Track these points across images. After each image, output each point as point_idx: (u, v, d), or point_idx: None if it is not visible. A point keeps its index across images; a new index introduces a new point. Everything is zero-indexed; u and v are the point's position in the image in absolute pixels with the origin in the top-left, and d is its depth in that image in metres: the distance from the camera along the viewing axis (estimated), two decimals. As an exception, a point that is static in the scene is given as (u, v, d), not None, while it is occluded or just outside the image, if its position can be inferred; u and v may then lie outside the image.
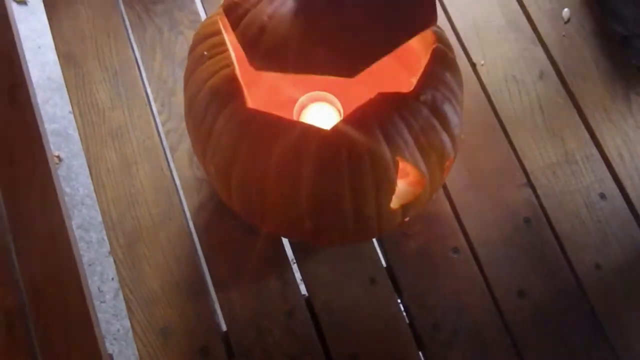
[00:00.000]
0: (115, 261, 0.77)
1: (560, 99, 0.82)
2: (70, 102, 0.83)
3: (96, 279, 1.41)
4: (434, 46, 0.65)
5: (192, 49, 0.69)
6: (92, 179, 0.80)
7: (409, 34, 0.61)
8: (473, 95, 0.82)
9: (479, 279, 0.75)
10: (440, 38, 0.66)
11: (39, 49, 1.56)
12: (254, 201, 0.66)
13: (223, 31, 0.66)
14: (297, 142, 0.61)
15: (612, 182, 0.79)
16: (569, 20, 0.86)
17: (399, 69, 0.72)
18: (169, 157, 0.81)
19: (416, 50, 0.69)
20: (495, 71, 0.83)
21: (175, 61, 0.83)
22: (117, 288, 1.34)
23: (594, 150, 0.80)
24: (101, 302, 1.39)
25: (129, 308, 0.76)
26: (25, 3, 1.62)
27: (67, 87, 0.83)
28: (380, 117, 0.61)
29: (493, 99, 0.82)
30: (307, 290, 0.76)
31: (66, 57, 0.84)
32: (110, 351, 1.30)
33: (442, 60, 0.65)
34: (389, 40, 0.61)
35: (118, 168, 0.80)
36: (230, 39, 0.66)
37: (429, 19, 0.62)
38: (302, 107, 0.75)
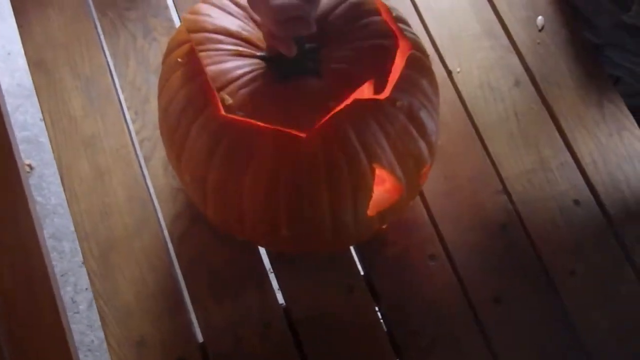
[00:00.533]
0: (88, 273, 0.76)
1: (535, 106, 0.82)
2: (41, 110, 0.81)
3: (69, 289, 1.39)
4: (409, 52, 0.65)
5: (166, 55, 0.69)
6: (64, 188, 0.78)
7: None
8: (449, 103, 0.82)
9: (456, 286, 0.76)
10: (415, 45, 0.66)
11: (8, 55, 1.53)
12: (229, 210, 0.66)
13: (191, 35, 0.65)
14: (272, 148, 0.60)
15: (585, 188, 0.80)
16: (542, 28, 0.87)
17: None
18: (143, 166, 0.80)
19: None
20: (471, 79, 0.84)
21: (149, 68, 0.82)
22: (91, 298, 1.32)
23: (568, 158, 0.81)
24: (75, 312, 1.37)
25: (103, 320, 0.74)
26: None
27: (37, 94, 0.81)
28: (356, 123, 0.61)
29: (469, 106, 0.82)
30: (285, 299, 0.75)
31: (37, 64, 0.82)
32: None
33: (417, 66, 0.66)
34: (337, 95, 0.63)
35: (91, 177, 0.78)
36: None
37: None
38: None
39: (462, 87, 0.83)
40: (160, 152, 0.79)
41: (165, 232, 0.78)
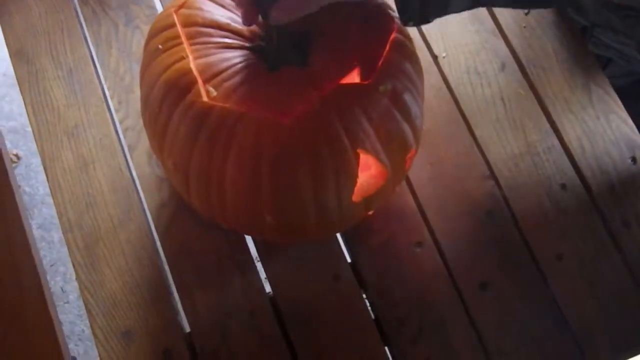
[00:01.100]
0: (74, 264, 0.75)
1: (522, 90, 0.82)
2: (24, 100, 0.80)
3: (59, 279, 1.38)
4: (393, 36, 0.64)
5: (147, 42, 0.68)
6: (47, 179, 0.77)
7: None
8: (435, 88, 0.82)
9: (443, 273, 0.75)
10: (399, 28, 0.65)
11: (-7, 44, 1.51)
12: (213, 197, 0.65)
13: (177, 24, 0.64)
14: (254, 134, 0.60)
15: (573, 172, 0.79)
16: (529, 11, 0.86)
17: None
18: (127, 156, 0.79)
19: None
20: (456, 63, 0.83)
21: (132, 57, 0.81)
22: (81, 289, 1.32)
23: (555, 142, 0.80)
24: (65, 302, 1.36)
25: (89, 312, 0.74)
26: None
27: (19, 84, 0.80)
28: (339, 109, 0.61)
29: (455, 91, 0.82)
30: (272, 288, 0.75)
31: (18, 54, 0.81)
32: (74, 352, 1.28)
33: (401, 50, 0.65)
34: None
35: (75, 168, 0.78)
36: (184, 32, 0.64)
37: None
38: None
39: (448, 71, 0.82)
40: (145, 142, 0.78)
41: (151, 222, 0.77)
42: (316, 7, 0.60)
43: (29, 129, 1.44)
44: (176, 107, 0.62)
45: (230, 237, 0.75)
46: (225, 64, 0.63)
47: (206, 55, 0.63)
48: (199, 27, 0.65)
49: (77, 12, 0.83)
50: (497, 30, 0.85)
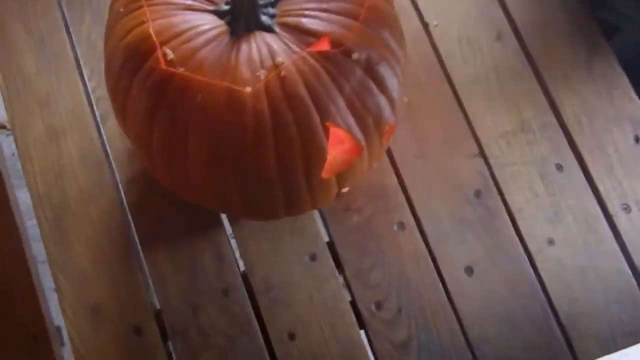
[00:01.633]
0: (42, 239, 0.73)
1: (517, 63, 0.76)
2: (-5, 67, 0.77)
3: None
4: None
5: (111, 5, 0.64)
6: (17, 149, 0.75)
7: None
8: (423, 58, 0.77)
9: (425, 255, 0.71)
10: (380, -9, 0.61)
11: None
12: (176, 173, 0.62)
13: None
14: (215, 105, 0.56)
15: (569, 151, 0.74)
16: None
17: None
18: (100, 126, 0.76)
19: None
20: (448, 32, 0.78)
21: (105, 24, 0.78)
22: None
23: (552, 118, 0.75)
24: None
25: (58, 288, 0.72)
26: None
27: (-10, 51, 0.78)
28: (307, 78, 0.56)
29: (445, 62, 0.77)
30: (245, 266, 0.72)
31: (-11, 20, 0.78)
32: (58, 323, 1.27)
33: (379, 16, 0.60)
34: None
35: (45, 138, 0.75)
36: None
37: None
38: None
39: (439, 41, 0.77)
40: (117, 112, 0.75)
41: (123, 196, 0.74)
42: None
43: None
44: (135, 75, 0.59)
45: (203, 213, 0.72)
46: (185, 26, 0.59)
47: (166, 17, 0.59)
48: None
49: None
50: (494, -5, 0.79)
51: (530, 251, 0.71)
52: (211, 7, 0.61)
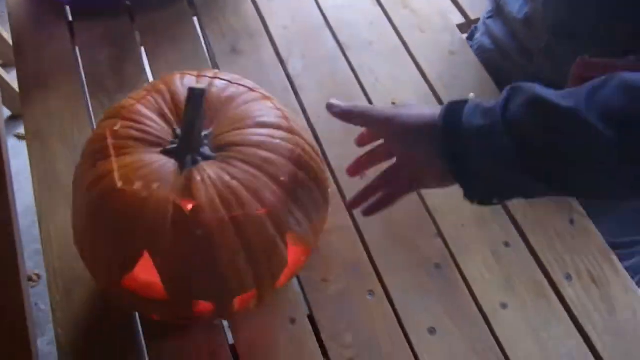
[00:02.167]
0: (52, 305, 0.82)
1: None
2: (31, 174, 0.92)
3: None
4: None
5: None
6: (40, 232, 0.87)
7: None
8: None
9: (393, 319, 0.80)
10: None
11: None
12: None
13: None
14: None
15: (516, 233, 0.86)
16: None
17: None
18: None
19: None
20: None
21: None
22: None
23: (500, 208, 0.88)
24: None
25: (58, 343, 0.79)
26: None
27: (30, 162, 0.93)
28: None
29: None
30: (232, 332, 0.80)
31: (34, 135, 0.96)
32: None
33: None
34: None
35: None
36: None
37: None
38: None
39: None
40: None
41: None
42: None
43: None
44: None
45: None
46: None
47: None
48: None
49: (87, 102, 0.99)
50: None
51: (486, 314, 0.80)
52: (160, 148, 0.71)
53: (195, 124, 0.68)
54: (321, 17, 1.11)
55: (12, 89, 1.83)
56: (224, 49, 1.06)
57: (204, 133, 0.71)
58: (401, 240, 0.86)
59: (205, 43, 1.08)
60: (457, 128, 0.62)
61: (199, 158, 0.69)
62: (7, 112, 1.95)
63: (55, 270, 0.84)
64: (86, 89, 1.01)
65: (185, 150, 0.69)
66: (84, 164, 0.72)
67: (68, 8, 1.11)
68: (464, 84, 1.02)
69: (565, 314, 0.80)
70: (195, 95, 0.67)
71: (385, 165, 0.73)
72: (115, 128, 0.71)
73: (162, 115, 0.73)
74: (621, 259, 0.85)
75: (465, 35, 1.14)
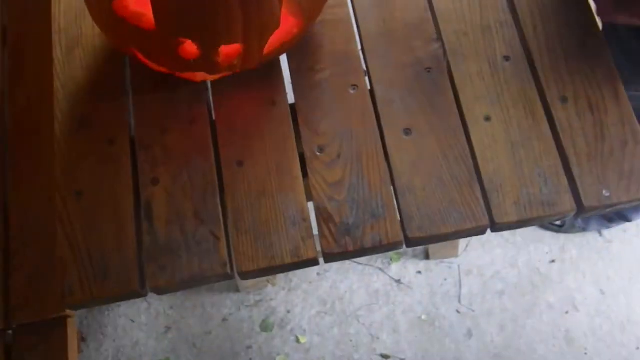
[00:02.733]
0: (54, 60, 0.86)
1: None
2: None
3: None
4: None
5: None
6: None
7: None
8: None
9: (371, 115, 0.79)
10: None
11: None
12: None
13: None
14: None
15: (520, 47, 0.81)
16: None
17: None
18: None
19: None
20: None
21: None
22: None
23: (509, 18, 0.82)
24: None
25: (56, 99, 0.83)
26: None
27: None
28: None
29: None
30: (214, 102, 0.81)
31: None
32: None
33: None
34: None
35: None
36: None
37: None
38: None
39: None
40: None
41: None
42: None
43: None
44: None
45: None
46: None
47: None
48: None
49: None
50: None
51: (467, 123, 0.77)
52: None
53: None
54: None
55: None
56: None
57: None
58: (397, 40, 0.82)
59: None
60: None
61: None
62: None
63: (60, 29, 0.87)
64: None
65: None
66: None
67: None
68: None
69: (549, 134, 0.76)
70: None
71: None
72: None
73: None
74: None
75: None
